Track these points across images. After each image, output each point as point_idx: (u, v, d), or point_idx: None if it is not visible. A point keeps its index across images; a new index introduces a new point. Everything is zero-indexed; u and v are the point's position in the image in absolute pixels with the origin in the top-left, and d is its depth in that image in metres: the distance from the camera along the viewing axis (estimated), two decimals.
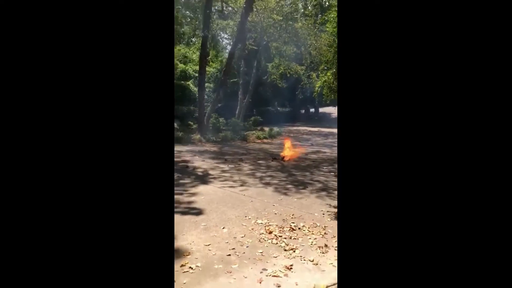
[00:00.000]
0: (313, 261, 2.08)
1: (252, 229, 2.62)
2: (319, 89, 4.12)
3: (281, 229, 2.63)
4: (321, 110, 26.02)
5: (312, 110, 25.00)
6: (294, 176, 4.93)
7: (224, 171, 5.19)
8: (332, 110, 26.87)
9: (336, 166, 6.05)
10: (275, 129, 12.84)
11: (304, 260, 2.10)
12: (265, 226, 2.67)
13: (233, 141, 9.79)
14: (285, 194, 3.87)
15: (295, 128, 16.30)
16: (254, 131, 11.63)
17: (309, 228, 2.68)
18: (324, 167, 5.85)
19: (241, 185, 4.24)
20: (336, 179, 4.81)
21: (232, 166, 5.66)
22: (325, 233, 2.57)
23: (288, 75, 13.41)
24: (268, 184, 4.37)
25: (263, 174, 5.01)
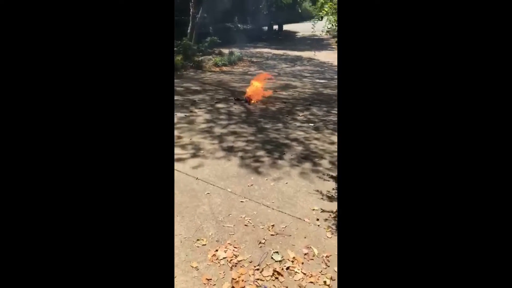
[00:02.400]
0: None
1: (207, 280, 1.53)
2: (326, 24, 2.62)
3: (258, 272, 1.59)
4: (285, 27, 23.60)
5: (275, 27, 22.49)
6: (265, 132, 3.77)
7: None
8: (297, 28, 24.55)
9: (312, 110, 4.96)
10: (236, 52, 11.02)
11: None
12: (231, 267, 1.60)
13: (185, 70, 8.04)
14: (256, 171, 2.76)
15: (257, 50, 14.42)
16: (210, 56, 9.77)
17: (302, 265, 1.66)
18: (299, 112, 4.73)
19: (193, 155, 3.01)
20: (317, 135, 3.77)
21: (182, 115, 4.28)
22: (331, 280, 1.58)
23: None
24: (231, 150, 3.19)
25: (224, 130, 3.77)
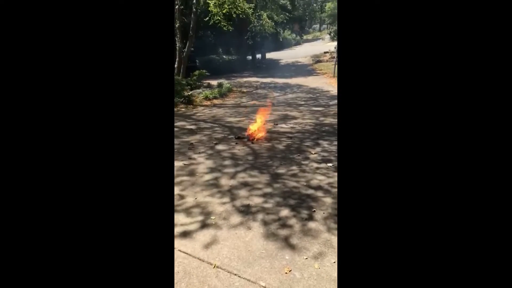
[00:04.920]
0: None
1: None
2: None
3: None
4: (267, 55, 23.82)
5: (258, 56, 22.62)
6: (281, 180, 3.18)
7: None
8: (280, 56, 24.85)
9: (322, 144, 4.44)
10: (225, 83, 10.64)
11: None
12: None
13: (175, 107, 7.49)
14: (288, 243, 2.12)
15: (244, 80, 14.16)
16: (200, 89, 9.32)
17: None
18: (310, 150, 4.20)
19: (203, 225, 2.36)
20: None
21: (180, 164, 3.65)
22: None
23: (234, 15, 10.76)
24: (248, 211, 2.56)
25: (233, 182, 3.15)
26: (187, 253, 1.99)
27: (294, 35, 29.81)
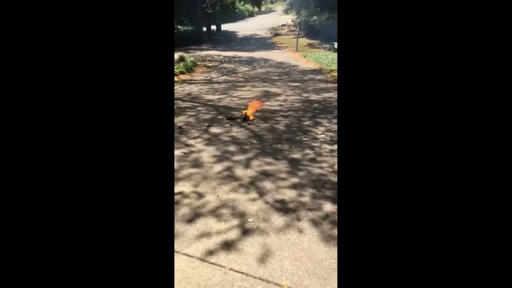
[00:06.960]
0: None
1: None
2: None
3: None
4: (223, 27, 22.56)
5: (213, 27, 21.28)
6: (302, 167, 2.82)
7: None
8: (235, 28, 23.72)
9: (323, 123, 4.17)
10: (187, 57, 9.71)
11: None
12: None
13: None
14: None
15: (205, 53, 13.21)
16: None
17: None
18: (314, 129, 3.89)
19: (243, 230, 1.91)
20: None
21: (179, 152, 3.07)
22: None
23: None
24: (285, 208, 2.17)
25: (251, 172, 2.71)
26: (243, 273, 1.57)
27: (248, 5, 28.64)
